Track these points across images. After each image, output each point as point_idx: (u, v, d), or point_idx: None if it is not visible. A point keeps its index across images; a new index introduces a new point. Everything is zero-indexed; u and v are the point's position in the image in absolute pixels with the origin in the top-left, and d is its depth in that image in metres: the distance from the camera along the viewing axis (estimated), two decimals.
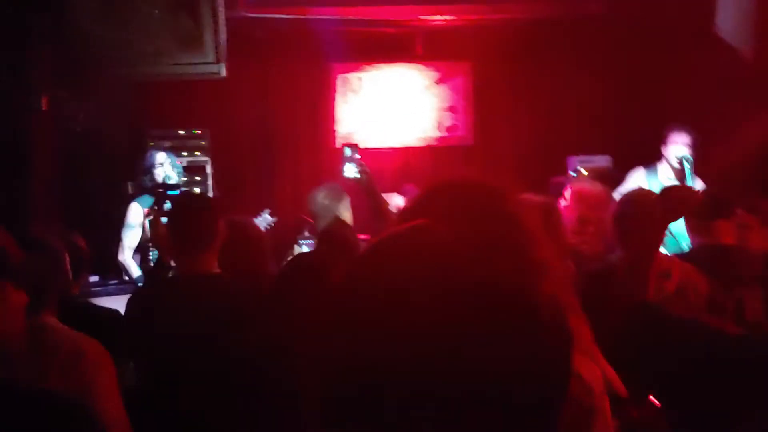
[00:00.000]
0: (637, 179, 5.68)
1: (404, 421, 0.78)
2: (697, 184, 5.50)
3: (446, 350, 0.79)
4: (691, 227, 3.90)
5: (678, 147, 5.61)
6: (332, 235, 3.98)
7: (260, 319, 2.91)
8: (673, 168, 5.63)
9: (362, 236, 4.63)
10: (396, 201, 4.33)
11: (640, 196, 3.52)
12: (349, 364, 0.82)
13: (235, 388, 2.83)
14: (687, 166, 5.50)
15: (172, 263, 3.51)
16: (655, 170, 5.73)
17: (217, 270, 3.13)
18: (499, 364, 0.79)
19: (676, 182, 5.54)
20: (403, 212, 1.54)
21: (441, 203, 1.36)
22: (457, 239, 0.88)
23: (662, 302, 2.94)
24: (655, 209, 3.28)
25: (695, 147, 5.60)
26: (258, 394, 2.77)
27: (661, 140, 5.73)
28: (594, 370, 1.99)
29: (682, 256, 3.75)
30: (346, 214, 4.73)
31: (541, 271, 0.87)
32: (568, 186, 4.92)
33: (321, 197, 4.70)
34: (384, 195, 4.35)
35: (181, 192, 4.38)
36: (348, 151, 4.22)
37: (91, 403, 2.17)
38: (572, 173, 5.91)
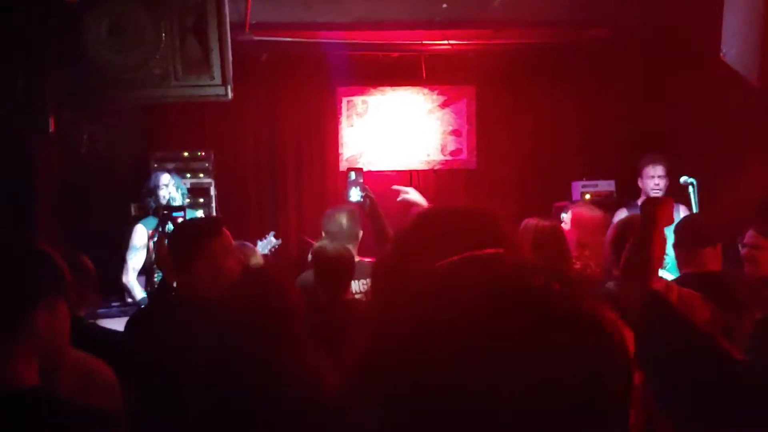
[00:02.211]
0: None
1: None
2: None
3: (511, 363, 0.81)
4: (677, 257, 3.90)
5: (651, 180, 5.69)
6: (326, 259, 3.99)
7: (260, 342, 2.89)
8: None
9: (366, 259, 4.63)
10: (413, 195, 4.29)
11: (636, 219, 3.50)
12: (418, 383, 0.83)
13: (235, 412, 2.81)
14: (691, 190, 5.51)
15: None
16: (636, 207, 5.77)
17: (214, 294, 3.12)
18: (562, 378, 0.81)
19: None
20: (399, 236, 1.55)
21: (437, 227, 1.37)
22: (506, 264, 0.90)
23: None
24: None
25: (692, 170, 5.64)
26: (258, 418, 2.75)
27: (637, 173, 5.81)
28: None
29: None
30: (359, 236, 4.75)
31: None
32: (567, 210, 4.94)
33: (343, 218, 4.69)
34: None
35: (191, 218, 4.39)
36: (353, 175, 4.23)
37: None
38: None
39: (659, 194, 5.80)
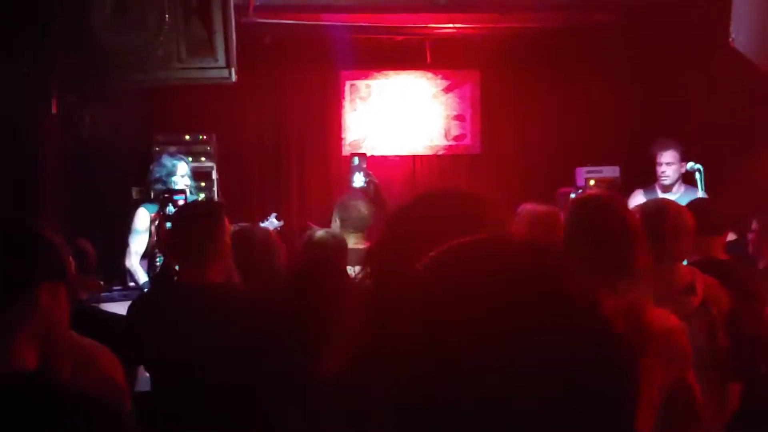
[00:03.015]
0: (638, 201, 5.65)
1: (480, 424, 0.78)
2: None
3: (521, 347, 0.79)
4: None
5: (660, 167, 5.66)
6: (316, 245, 3.98)
7: (261, 328, 2.88)
8: (660, 186, 5.67)
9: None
10: None
11: (670, 205, 3.41)
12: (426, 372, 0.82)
13: (233, 396, 2.81)
14: (698, 176, 5.49)
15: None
16: (654, 189, 5.74)
17: (220, 278, 3.11)
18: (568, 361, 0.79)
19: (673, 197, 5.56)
20: (392, 218, 1.54)
21: (427, 211, 1.36)
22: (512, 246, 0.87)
23: (686, 318, 2.84)
24: (686, 220, 3.20)
25: (698, 156, 5.61)
26: (256, 404, 2.75)
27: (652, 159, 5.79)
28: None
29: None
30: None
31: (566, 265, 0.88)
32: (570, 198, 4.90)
33: (362, 206, 4.64)
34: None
35: (192, 201, 4.37)
36: (356, 161, 4.23)
37: None
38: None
39: (667, 181, 5.74)
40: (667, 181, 5.72)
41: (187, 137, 7.01)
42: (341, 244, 4.07)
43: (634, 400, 0.86)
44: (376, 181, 4.23)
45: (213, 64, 4.50)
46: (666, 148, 5.75)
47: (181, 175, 5.50)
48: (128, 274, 5.47)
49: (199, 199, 5.83)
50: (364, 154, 4.34)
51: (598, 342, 0.82)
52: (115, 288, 5.61)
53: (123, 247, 5.49)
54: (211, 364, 2.85)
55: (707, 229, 3.67)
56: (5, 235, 1.77)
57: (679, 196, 5.52)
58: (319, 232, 4.19)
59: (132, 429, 1.96)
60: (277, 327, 2.82)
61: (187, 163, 5.67)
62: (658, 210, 3.25)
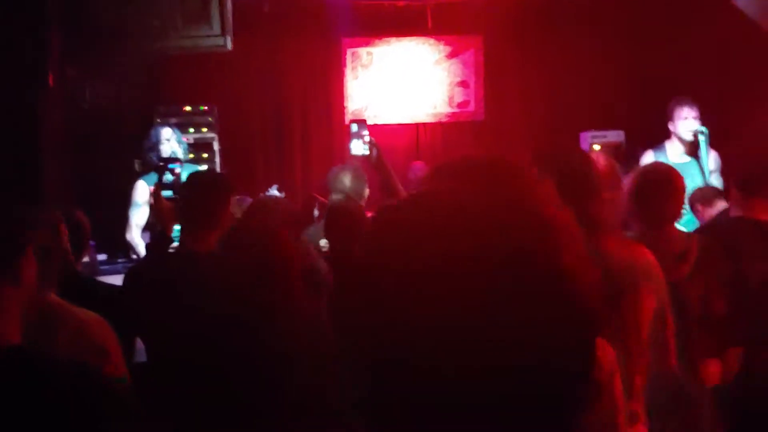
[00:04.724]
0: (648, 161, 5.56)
1: (433, 398, 0.75)
2: (711, 157, 5.43)
3: (470, 319, 0.75)
4: (732, 199, 3.76)
5: (686, 122, 5.51)
6: (340, 213, 3.94)
7: (258, 299, 2.86)
8: (683, 143, 5.53)
9: (371, 214, 4.58)
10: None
11: (659, 168, 3.37)
12: (375, 341, 0.79)
13: (233, 362, 2.80)
14: (702, 138, 5.41)
15: (174, 237, 3.48)
16: (664, 149, 5.64)
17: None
18: (521, 334, 0.75)
19: (686, 158, 5.46)
20: (420, 185, 1.49)
21: (457, 174, 1.31)
22: (471, 202, 0.82)
23: (676, 286, 2.78)
24: (674, 183, 3.15)
25: (703, 118, 5.51)
26: (253, 372, 2.74)
27: (667, 117, 5.64)
28: (606, 348, 1.96)
29: (710, 228, 3.66)
30: (365, 194, 4.70)
31: (563, 238, 0.81)
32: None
33: (347, 178, 4.62)
34: None
35: (201, 171, 4.34)
36: (355, 128, 4.11)
37: None
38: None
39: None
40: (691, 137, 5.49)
41: (188, 108, 6.96)
42: (356, 213, 4.03)
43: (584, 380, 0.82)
44: (378, 146, 4.12)
45: (209, 32, 4.47)
46: (692, 103, 5.54)
47: (167, 138, 5.46)
48: (130, 247, 5.46)
49: (200, 169, 5.80)
50: (364, 121, 4.20)
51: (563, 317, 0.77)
52: (119, 260, 5.62)
53: (125, 219, 5.48)
54: (210, 333, 2.84)
55: (752, 189, 3.59)
56: None
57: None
58: (340, 200, 4.15)
59: (126, 399, 1.94)
60: (276, 297, 2.81)
61: (171, 128, 5.63)
62: (649, 173, 3.22)
